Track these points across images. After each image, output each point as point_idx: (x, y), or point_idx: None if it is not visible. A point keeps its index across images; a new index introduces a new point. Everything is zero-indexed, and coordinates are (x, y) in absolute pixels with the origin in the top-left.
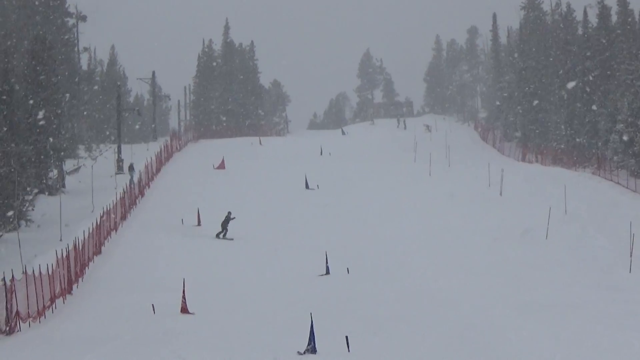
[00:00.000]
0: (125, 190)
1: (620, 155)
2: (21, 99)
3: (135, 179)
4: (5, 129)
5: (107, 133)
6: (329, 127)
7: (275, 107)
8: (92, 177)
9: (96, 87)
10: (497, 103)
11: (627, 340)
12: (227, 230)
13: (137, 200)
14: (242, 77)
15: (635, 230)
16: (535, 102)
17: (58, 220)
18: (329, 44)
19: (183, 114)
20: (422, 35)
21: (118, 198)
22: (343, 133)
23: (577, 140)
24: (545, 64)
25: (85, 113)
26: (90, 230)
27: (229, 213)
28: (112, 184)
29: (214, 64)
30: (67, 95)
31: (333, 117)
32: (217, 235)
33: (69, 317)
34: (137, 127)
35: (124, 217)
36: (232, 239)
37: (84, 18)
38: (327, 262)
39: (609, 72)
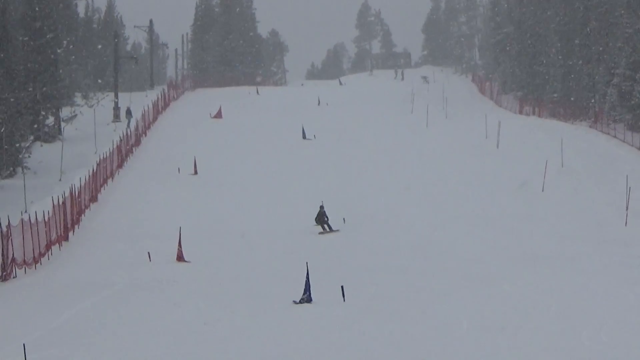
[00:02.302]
0: (121, 138)
1: (617, 109)
2: (18, 45)
3: (133, 124)
4: (1, 77)
5: (100, 81)
6: (326, 78)
7: (273, 56)
8: (92, 122)
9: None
10: (495, 55)
11: (622, 293)
12: (327, 224)
13: (134, 149)
14: (240, 26)
15: (631, 183)
16: (533, 54)
17: (54, 167)
18: None
19: (180, 63)
20: None
21: (114, 146)
22: (340, 83)
23: (575, 93)
24: (544, 17)
25: (82, 61)
26: (87, 178)
27: (321, 207)
28: (109, 132)
29: (212, 12)
30: (64, 42)
31: (331, 68)
32: (324, 228)
33: (65, 263)
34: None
35: (120, 165)
36: (337, 230)
37: None
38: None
39: (607, 26)
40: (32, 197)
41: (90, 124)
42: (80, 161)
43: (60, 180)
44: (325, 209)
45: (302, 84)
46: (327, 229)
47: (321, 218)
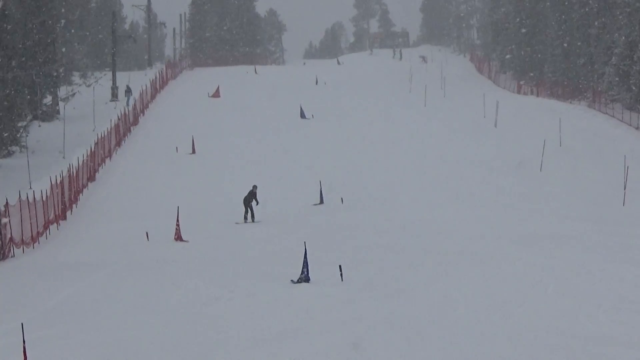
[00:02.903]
0: (119, 117)
1: (615, 88)
2: (16, 24)
3: (132, 102)
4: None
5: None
6: (325, 57)
7: (271, 36)
8: (90, 101)
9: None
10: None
11: (620, 272)
12: (251, 209)
13: (132, 128)
14: (238, 5)
15: (629, 163)
16: (531, 34)
17: (52, 146)
18: None
19: (179, 42)
20: None
21: (112, 125)
22: (339, 63)
23: (573, 73)
24: None
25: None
26: (85, 157)
27: (254, 187)
28: (108, 111)
29: None
30: (62, 21)
31: (329, 47)
32: (245, 218)
33: (63, 243)
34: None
35: (118, 145)
36: (246, 222)
37: None
38: (321, 192)
39: (606, 5)
40: (31, 177)
41: (88, 104)
42: (78, 140)
43: (64, 157)
44: (257, 192)
45: (304, 63)
46: (247, 218)
47: (249, 200)
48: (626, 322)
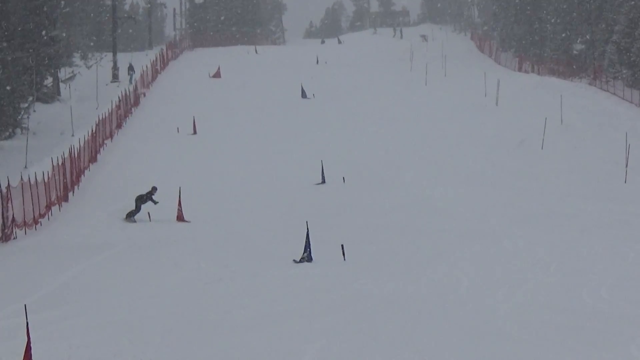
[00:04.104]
0: (120, 98)
1: (616, 66)
2: (16, 4)
3: (135, 79)
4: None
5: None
6: (325, 37)
7: (271, 15)
8: (91, 83)
9: None
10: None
11: (622, 250)
12: (139, 209)
13: (133, 109)
14: None
15: (630, 140)
16: (533, 10)
17: (53, 128)
18: None
19: (179, 23)
20: None
21: (113, 106)
22: (339, 42)
23: (574, 50)
24: None
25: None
26: (86, 138)
27: (153, 189)
28: (109, 92)
29: None
30: (62, 2)
31: (330, 27)
32: (128, 216)
33: (65, 224)
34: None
35: (119, 126)
36: (135, 222)
37: None
38: (322, 171)
39: None
40: (32, 158)
41: (88, 85)
42: (79, 122)
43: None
44: (153, 195)
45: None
46: (129, 216)
47: (140, 201)
48: (629, 299)
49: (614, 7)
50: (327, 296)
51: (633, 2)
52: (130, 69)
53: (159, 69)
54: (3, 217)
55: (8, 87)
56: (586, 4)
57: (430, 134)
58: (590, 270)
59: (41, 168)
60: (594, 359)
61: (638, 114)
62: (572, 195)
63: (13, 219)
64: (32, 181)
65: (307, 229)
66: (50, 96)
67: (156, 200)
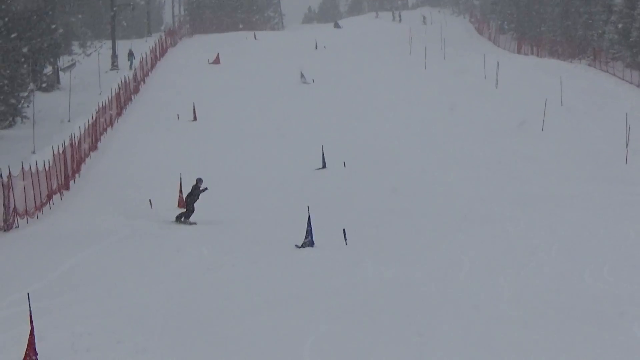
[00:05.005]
0: (120, 86)
1: (615, 47)
2: None
3: (135, 65)
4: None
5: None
6: (324, 21)
7: (269, 1)
8: (90, 71)
9: None
10: None
11: (623, 231)
12: (193, 210)
13: (133, 96)
14: None
15: (631, 121)
16: None
17: (53, 116)
18: None
19: (177, 9)
20: None
21: (113, 94)
22: (338, 27)
23: (573, 31)
24: None
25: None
26: (87, 126)
27: (199, 181)
28: (108, 80)
29: None
30: None
31: (328, 11)
32: (178, 219)
33: (67, 212)
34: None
35: (119, 113)
36: (195, 223)
37: None
38: (323, 156)
39: None
40: (32, 147)
41: (88, 73)
42: (79, 110)
43: (69, 121)
44: (202, 186)
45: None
46: (182, 218)
47: (192, 200)
48: (631, 280)
49: None
50: (329, 281)
51: None
52: (131, 54)
53: (158, 55)
54: (4, 207)
55: (8, 71)
56: None
57: (430, 117)
58: (592, 252)
59: (42, 157)
60: (597, 339)
61: (638, 94)
62: (573, 176)
63: (14, 208)
64: (34, 170)
65: (309, 213)
66: (50, 85)
67: (205, 187)
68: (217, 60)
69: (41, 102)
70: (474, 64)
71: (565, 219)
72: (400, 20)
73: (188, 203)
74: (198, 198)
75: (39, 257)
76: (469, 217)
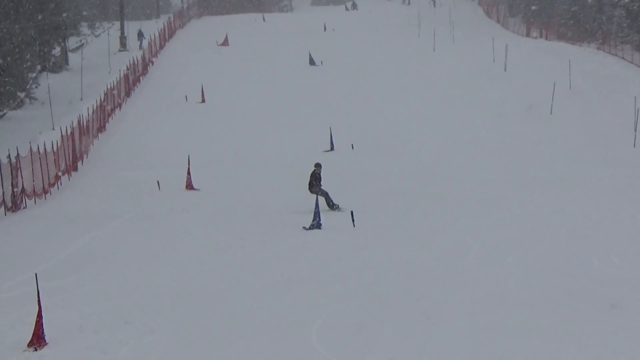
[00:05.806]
0: (128, 67)
1: (625, 30)
2: None
3: (145, 44)
4: (6, 7)
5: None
6: (334, 3)
7: None
8: (98, 52)
9: None
10: None
11: (632, 214)
12: (324, 192)
13: (141, 78)
14: None
15: (639, 105)
16: None
17: (62, 98)
18: None
19: None
20: None
21: (122, 75)
22: (347, 9)
23: (582, 15)
24: None
25: None
26: (95, 107)
27: (317, 166)
28: (116, 61)
29: None
30: None
31: None
32: (331, 206)
33: (74, 193)
34: None
35: (127, 95)
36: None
37: None
38: (331, 138)
39: None
40: (41, 127)
41: (96, 54)
42: (88, 91)
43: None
44: (320, 171)
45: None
46: (331, 205)
47: (315, 182)
48: (639, 263)
49: None
50: (336, 263)
51: None
52: (140, 35)
53: (166, 37)
54: (13, 187)
55: (16, 52)
56: None
57: (439, 100)
58: (600, 235)
59: (50, 138)
60: (604, 322)
61: None
62: (581, 159)
63: (22, 189)
64: (41, 151)
65: (317, 196)
66: (59, 66)
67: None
68: (225, 42)
69: (50, 83)
70: (482, 47)
71: (573, 202)
72: (409, 3)
73: (317, 192)
74: (321, 182)
75: (47, 238)
76: (477, 199)
